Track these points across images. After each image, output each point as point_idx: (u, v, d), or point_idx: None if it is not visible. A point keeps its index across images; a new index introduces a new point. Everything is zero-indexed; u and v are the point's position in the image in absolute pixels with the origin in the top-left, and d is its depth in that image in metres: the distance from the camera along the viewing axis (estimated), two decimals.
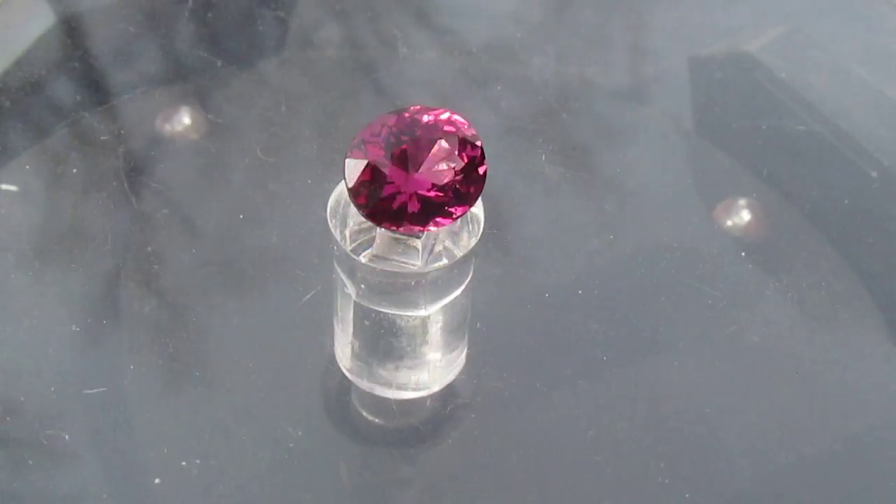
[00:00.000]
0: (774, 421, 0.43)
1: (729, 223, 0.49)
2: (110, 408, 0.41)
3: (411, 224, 0.34)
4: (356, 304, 0.38)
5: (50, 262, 0.45)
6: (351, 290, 0.38)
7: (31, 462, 0.40)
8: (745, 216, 0.49)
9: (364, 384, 0.41)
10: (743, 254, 0.48)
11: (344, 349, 0.40)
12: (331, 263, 0.39)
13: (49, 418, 0.40)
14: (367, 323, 0.39)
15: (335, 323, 0.41)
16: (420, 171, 0.34)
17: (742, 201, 0.49)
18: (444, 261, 0.37)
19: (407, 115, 0.34)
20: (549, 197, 0.49)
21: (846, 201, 0.50)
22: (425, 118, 0.34)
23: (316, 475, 0.40)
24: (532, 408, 0.42)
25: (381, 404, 0.41)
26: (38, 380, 0.41)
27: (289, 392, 0.42)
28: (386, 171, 0.34)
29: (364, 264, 0.36)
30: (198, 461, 0.40)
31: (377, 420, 0.42)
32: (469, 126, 0.34)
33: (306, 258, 0.45)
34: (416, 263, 0.36)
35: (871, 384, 0.44)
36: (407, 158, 0.34)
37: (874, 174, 0.50)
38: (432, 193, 0.34)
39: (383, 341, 0.39)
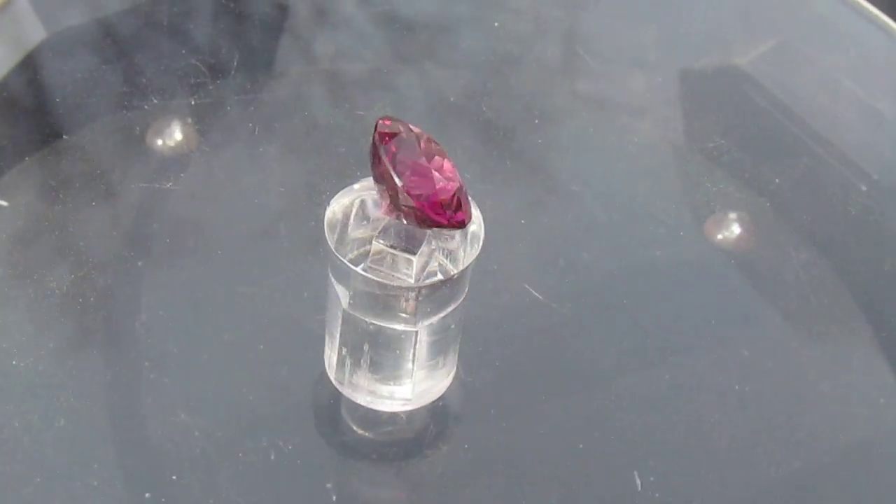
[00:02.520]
0: (765, 434, 0.43)
1: (719, 236, 0.49)
2: (92, 419, 0.41)
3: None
4: (345, 314, 0.39)
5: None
6: (343, 299, 0.38)
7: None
8: (736, 229, 0.49)
9: (345, 391, 0.41)
10: (733, 267, 0.48)
11: (331, 359, 0.41)
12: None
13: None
14: (354, 333, 0.39)
15: (326, 335, 0.41)
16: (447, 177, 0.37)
17: (732, 215, 0.49)
18: (438, 276, 0.37)
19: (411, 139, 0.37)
20: (540, 211, 0.50)
21: (836, 214, 0.50)
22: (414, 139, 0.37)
23: (306, 488, 0.40)
24: (522, 421, 0.42)
25: (371, 418, 0.41)
26: None
27: (279, 405, 0.42)
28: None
29: (357, 272, 0.37)
30: (188, 474, 0.40)
31: (367, 433, 0.42)
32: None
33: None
34: (409, 277, 0.37)
35: (861, 397, 0.44)
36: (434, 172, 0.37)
37: (863, 187, 0.51)
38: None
39: (369, 352, 0.39)
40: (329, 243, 0.37)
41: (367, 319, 0.38)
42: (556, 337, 0.45)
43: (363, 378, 0.40)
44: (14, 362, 0.42)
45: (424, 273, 0.37)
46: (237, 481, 0.40)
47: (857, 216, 0.50)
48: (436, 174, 0.36)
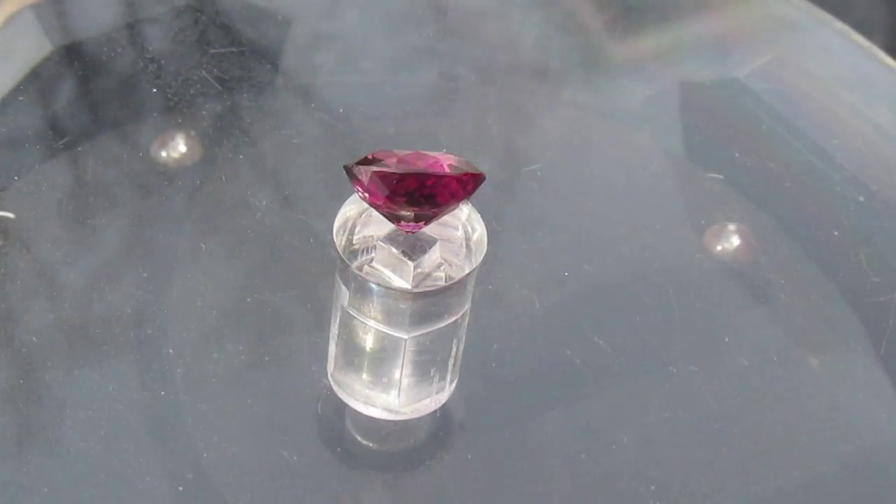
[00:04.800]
0: (764, 444, 0.43)
1: (718, 248, 0.49)
2: (100, 428, 0.41)
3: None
4: (343, 311, 0.39)
5: None
6: (343, 297, 0.39)
7: None
8: (735, 241, 0.49)
9: (341, 394, 0.41)
10: (732, 278, 0.48)
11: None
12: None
13: None
14: (349, 332, 0.39)
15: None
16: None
17: (731, 226, 0.49)
18: (436, 284, 0.38)
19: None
20: (540, 221, 0.50)
21: (834, 225, 0.50)
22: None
23: (311, 498, 0.40)
24: (523, 432, 0.42)
25: (375, 428, 0.42)
26: None
27: (283, 417, 0.42)
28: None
29: (355, 272, 0.37)
30: (193, 487, 0.40)
31: (371, 444, 0.42)
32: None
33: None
34: (406, 283, 0.37)
35: (860, 407, 0.44)
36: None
37: (861, 199, 0.51)
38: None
39: (360, 353, 0.40)
40: (335, 243, 0.38)
41: (436, 328, 0.39)
42: (557, 347, 0.45)
43: (449, 379, 0.41)
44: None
45: (424, 281, 0.38)
46: (242, 491, 0.40)
47: (855, 227, 0.50)
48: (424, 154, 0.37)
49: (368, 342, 0.39)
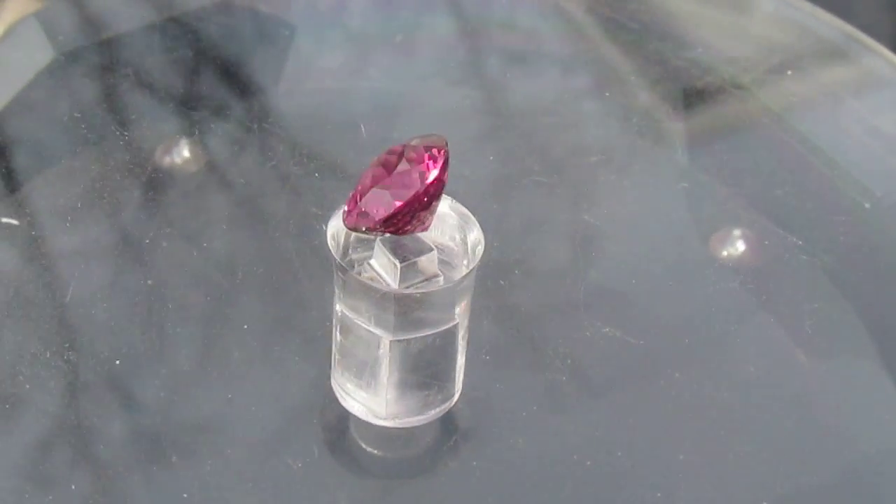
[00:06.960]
0: (770, 451, 0.43)
1: (724, 253, 0.49)
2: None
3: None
4: (393, 345, 0.38)
5: None
6: (384, 333, 0.38)
7: None
8: (740, 246, 0.49)
9: (406, 421, 0.41)
10: (738, 284, 0.48)
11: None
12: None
13: None
14: (405, 357, 0.39)
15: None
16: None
17: (737, 232, 0.49)
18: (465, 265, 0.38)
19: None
20: (545, 227, 0.50)
21: (840, 232, 0.50)
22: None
23: None
24: (528, 439, 0.42)
25: (380, 435, 0.42)
26: None
27: (289, 425, 0.42)
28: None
29: (408, 294, 0.37)
30: (199, 493, 0.40)
31: (376, 451, 0.42)
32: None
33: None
34: (441, 274, 0.38)
35: (867, 414, 0.44)
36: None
37: (867, 205, 0.51)
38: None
39: (421, 369, 0.39)
40: (370, 283, 0.38)
41: (465, 304, 0.39)
42: (563, 353, 0.45)
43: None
44: None
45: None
46: (248, 500, 0.40)
47: (860, 233, 0.50)
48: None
49: (426, 353, 0.39)
